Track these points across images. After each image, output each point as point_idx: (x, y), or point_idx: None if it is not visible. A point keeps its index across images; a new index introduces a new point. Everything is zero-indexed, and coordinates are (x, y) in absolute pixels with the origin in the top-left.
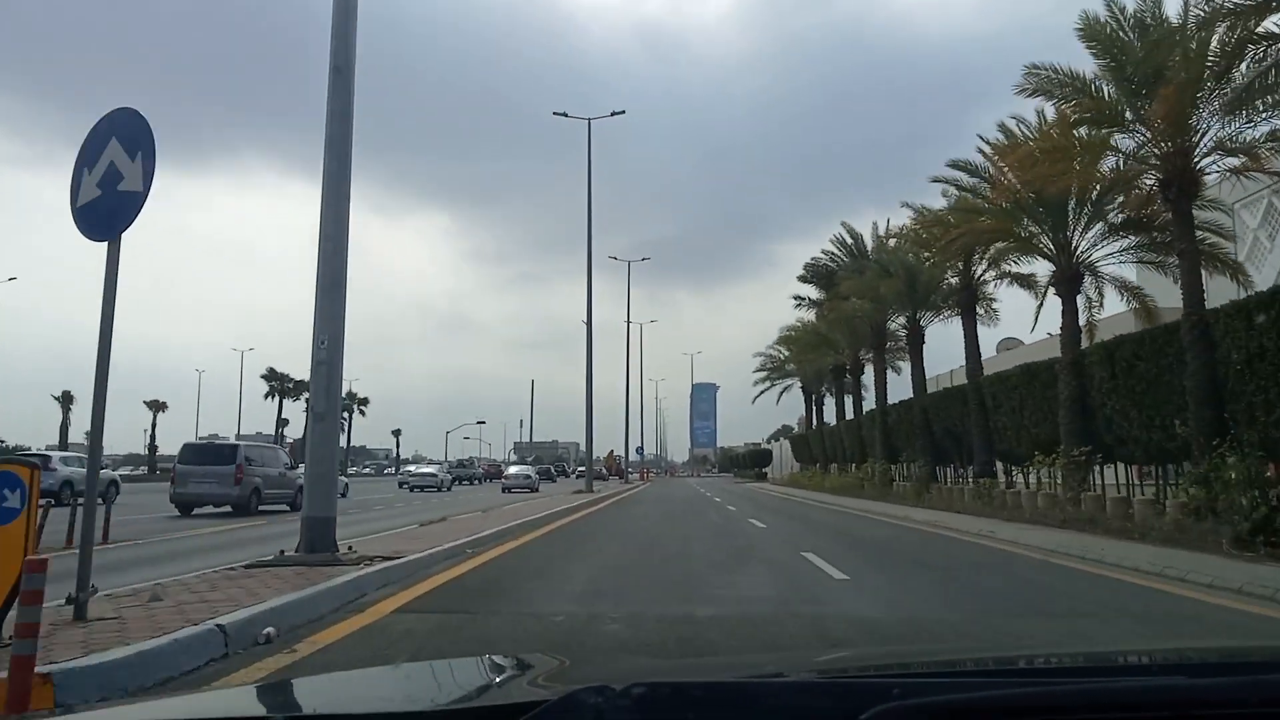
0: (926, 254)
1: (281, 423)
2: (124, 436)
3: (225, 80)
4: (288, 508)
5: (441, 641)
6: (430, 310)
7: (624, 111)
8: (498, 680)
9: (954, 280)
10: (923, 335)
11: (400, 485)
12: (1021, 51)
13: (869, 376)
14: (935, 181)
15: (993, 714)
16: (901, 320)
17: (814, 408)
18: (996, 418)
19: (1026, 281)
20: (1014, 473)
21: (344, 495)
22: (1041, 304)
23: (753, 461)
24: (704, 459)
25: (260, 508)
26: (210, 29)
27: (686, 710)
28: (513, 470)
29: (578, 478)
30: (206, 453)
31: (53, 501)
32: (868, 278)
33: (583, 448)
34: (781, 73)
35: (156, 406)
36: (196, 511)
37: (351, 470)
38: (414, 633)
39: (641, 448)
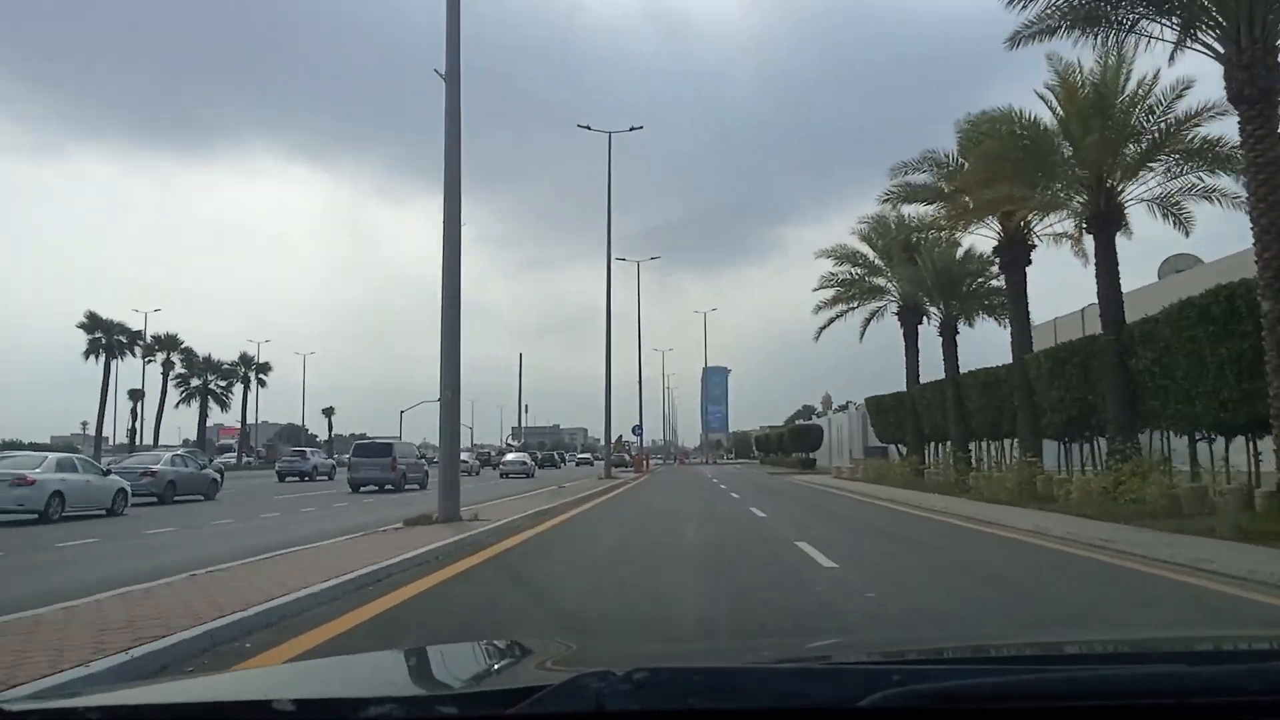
0: None
1: (135, 396)
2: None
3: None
4: (418, 487)
5: None
6: (435, 294)
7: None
8: (503, 664)
9: None
10: None
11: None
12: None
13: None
14: None
15: (990, 700)
16: None
17: (949, 341)
18: None
19: None
20: None
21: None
22: None
23: (794, 443)
24: (718, 443)
25: (405, 487)
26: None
27: (688, 695)
28: (510, 457)
29: (577, 465)
30: (371, 449)
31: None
32: None
33: (591, 433)
34: (788, 49)
35: None
36: (361, 489)
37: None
38: None
39: (640, 427)
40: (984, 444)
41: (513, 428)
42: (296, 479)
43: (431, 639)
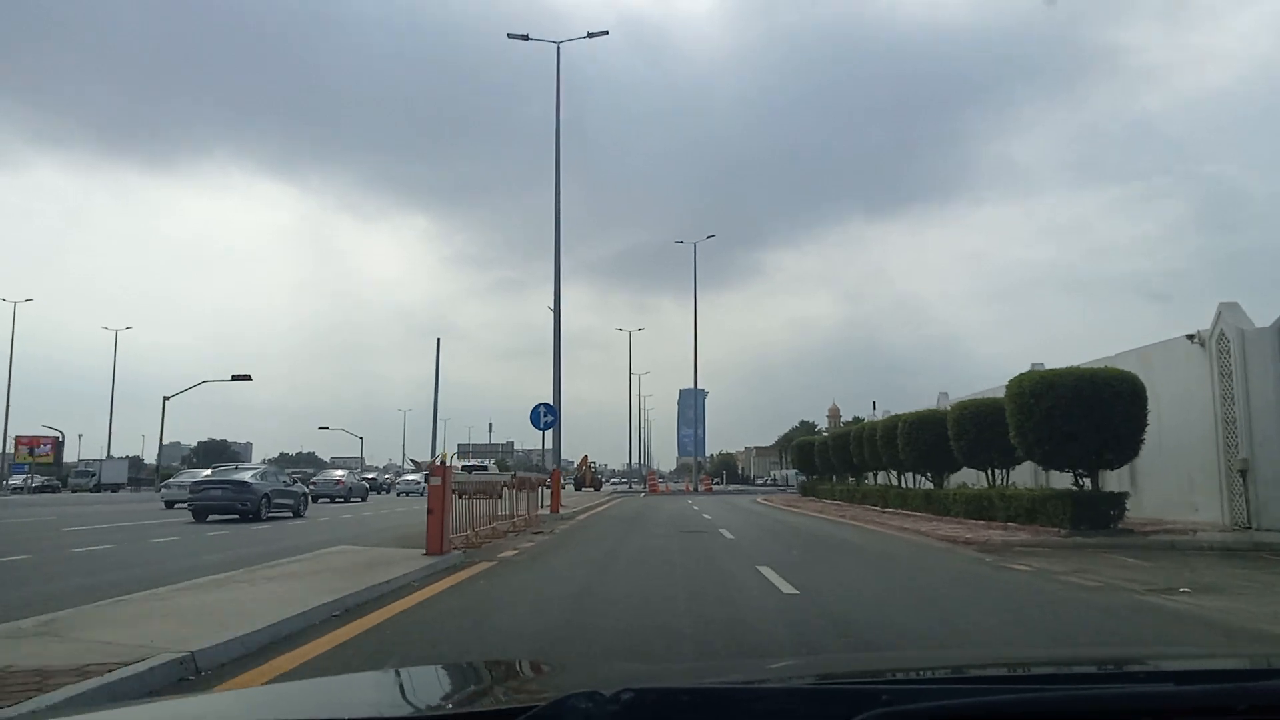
0: None
1: None
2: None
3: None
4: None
5: None
6: (406, 315)
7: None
8: (488, 685)
9: None
10: None
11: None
12: (1012, 50)
13: None
14: None
15: None
16: None
17: None
18: None
19: None
20: None
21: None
22: None
23: (920, 453)
24: (700, 466)
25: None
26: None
27: (675, 715)
28: (409, 477)
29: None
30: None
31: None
32: None
33: (562, 454)
34: (768, 73)
35: None
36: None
37: None
38: None
39: (553, 410)
40: None
41: (458, 444)
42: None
43: None
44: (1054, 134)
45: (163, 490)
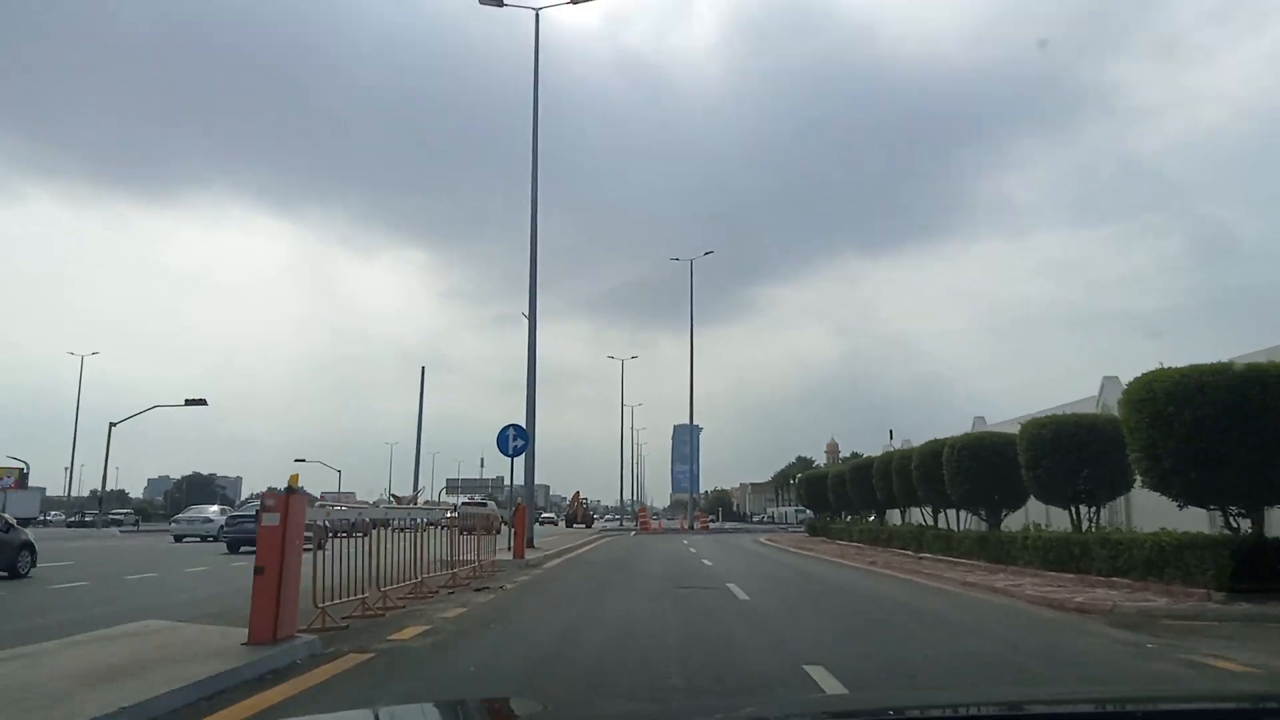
0: None
1: None
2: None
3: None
4: None
5: None
6: (402, 349)
7: None
8: None
9: None
10: None
11: None
12: (1006, 88)
13: None
14: None
15: None
16: None
17: None
18: None
19: None
20: None
21: None
22: None
23: (972, 486)
24: (695, 503)
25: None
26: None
27: None
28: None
29: (540, 523)
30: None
31: None
32: None
33: (553, 491)
34: (765, 108)
35: None
36: None
37: None
38: None
39: (524, 433)
40: None
41: (447, 479)
42: None
43: None
44: (1049, 172)
45: (172, 525)
